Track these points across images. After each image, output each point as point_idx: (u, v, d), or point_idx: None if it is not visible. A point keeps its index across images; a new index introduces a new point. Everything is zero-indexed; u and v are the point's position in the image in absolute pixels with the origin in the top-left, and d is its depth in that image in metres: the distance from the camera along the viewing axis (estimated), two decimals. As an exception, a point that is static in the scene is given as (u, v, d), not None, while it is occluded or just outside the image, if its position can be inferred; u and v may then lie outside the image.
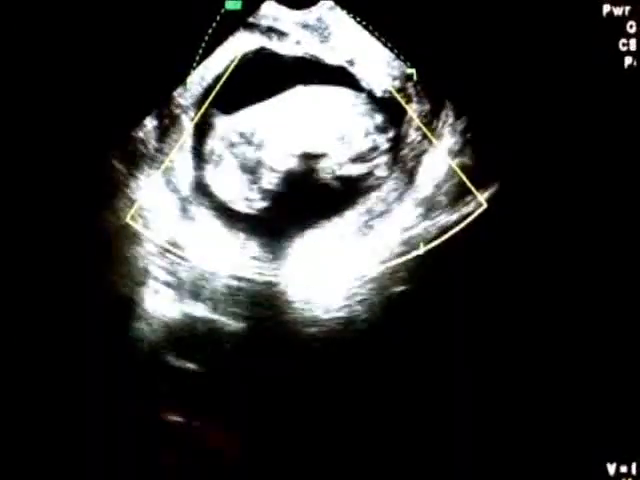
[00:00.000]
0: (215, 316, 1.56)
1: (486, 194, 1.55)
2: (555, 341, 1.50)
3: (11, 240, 1.53)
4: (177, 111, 1.62)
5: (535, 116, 1.53)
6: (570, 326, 1.50)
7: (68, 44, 1.53)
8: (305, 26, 1.66)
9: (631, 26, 1.51)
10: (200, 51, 1.56)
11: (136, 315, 1.55)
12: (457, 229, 1.55)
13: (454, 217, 1.55)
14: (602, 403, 1.48)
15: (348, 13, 1.53)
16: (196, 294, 1.57)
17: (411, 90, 1.60)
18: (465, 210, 1.56)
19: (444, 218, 1.56)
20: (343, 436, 1.49)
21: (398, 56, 1.54)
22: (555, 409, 1.49)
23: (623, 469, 1.47)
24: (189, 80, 1.58)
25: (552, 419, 1.49)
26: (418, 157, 1.59)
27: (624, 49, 1.51)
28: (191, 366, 1.53)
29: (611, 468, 1.47)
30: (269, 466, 1.49)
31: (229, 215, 1.60)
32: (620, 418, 1.48)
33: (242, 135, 1.63)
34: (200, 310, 1.56)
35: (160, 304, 1.56)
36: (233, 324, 1.56)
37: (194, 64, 1.57)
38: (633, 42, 1.51)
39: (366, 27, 1.53)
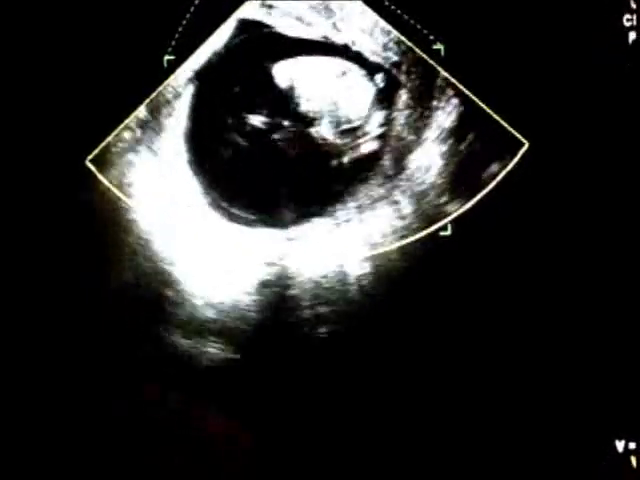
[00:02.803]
0: (218, 305, 1.55)
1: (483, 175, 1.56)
2: (565, 320, 1.50)
3: (6, 226, 1.52)
4: (177, 89, 1.60)
5: (539, 95, 1.53)
6: (580, 306, 1.51)
7: (71, 34, 1.53)
8: (309, 5, 1.65)
9: (635, 1, 1.51)
10: (202, 28, 1.56)
11: (135, 306, 1.54)
12: (454, 214, 1.55)
13: (446, 199, 1.56)
14: (610, 380, 1.49)
15: None
16: (198, 282, 1.56)
17: (405, 67, 1.60)
18: (457, 194, 1.56)
19: (438, 201, 1.56)
20: (351, 425, 1.50)
21: (425, 33, 1.54)
22: (564, 387, 1.49)
23: (632, 446, 1.47)
24: (191, 58, 1.58)
25: (561, 397, 1.49)
26: (412, 137, 1.59)
27: (628, 24, 1.51)
28: (196, 358, 1.53)
29: (620, 445, 1.47)
30: (283, 458, 1.49)
31: (228, 195, 1.59)
32: (628, 395, 1.48)
33: (242, 114, 1.63)
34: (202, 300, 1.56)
35: (149, 292, 1.55)
36: (239, 312, 1.55)
37: (196, 41, 1.56)
38: (636, 18, 1.52)
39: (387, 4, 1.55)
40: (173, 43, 1.54)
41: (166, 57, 1.55)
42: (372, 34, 1.62)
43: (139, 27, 1.53)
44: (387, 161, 1.60)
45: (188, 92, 1.61)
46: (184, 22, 1.54)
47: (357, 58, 1.63)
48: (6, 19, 1.52)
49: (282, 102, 1.63)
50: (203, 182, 1.60)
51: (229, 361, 1.52)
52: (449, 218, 1.55)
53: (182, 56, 1.55)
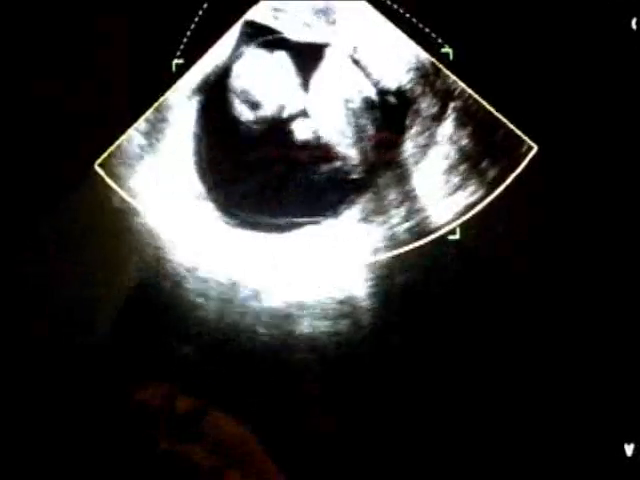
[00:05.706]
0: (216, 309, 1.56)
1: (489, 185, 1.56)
2: (574, 323, 1.50)
3: (13, 229, 1.52)
4: (185, 95, 1.61)
5: (548, 99, 1.53)
6: (590, 309, 1.50)
7: (78, 38, 1.53)
8: (314, 10, 1.65)
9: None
10: (212, 31, 1.56)
11: (142, 309, 1.54)
12: (463, 218, 1.55)
13: (455, 203, 1.56)
14: (619, 383, 1.48)
15: None
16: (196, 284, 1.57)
17: (419, 81, 1.60)
18: (465, 198, 1.56)
19: (447, 204, 1.56)
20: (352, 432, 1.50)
21: (432, 37, 1.54)
22: (572, 390, 1.49)
23: (641, 449, 1.47)
24: (199, 63, 1.58)
25: (569, 400, 1.49)
26: (420, 151, 1.59)
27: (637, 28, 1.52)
28: (201, 361, 1.53)
29: (629, 449, 1.47)
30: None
31: (236, 199, 1.60)
32: (637, 398, 1.48)
33: (248, 120, 1.63)
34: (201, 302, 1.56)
35: (158, 298, 1.55)
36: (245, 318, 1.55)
37: (206, 45, 1.56)
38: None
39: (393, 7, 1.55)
40: (182, 47, 1.54)
41: (175, 61, 1.55)
42: (378, 38, 1.63)
43: (148, 31, 1.53)
44: (396, 165, 1.60)
45: (196, 98, 1.61)
46: (193, 26, 1.54)
47: (363, 64, 1.64)
48: (13, 19, 1.52)
49: (288, 107, 1.63)
50: (209, 185, 1.60)
51: (234, 371, 1.52)
52: (458, 222, 1.55)
53: (191, 60, 1.55)
